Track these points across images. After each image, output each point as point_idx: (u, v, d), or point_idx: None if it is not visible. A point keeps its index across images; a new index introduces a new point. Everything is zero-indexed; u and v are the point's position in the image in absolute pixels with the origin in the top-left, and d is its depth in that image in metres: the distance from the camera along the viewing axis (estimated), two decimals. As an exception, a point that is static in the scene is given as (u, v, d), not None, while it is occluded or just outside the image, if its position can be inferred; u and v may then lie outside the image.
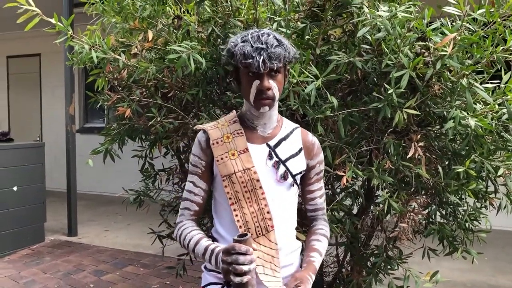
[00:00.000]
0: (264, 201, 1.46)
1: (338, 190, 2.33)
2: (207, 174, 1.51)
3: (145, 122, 2.38)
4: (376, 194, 2.38)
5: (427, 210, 2.27)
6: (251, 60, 1.34)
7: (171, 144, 2.43)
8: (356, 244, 2.41)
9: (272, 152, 1.50)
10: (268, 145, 1.50)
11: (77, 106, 7.69)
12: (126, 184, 3.04)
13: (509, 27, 1.89)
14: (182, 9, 2.41)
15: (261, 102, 1.42)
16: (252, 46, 1.34)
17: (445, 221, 2.26)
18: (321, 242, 1.57)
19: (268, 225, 1.46)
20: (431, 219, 2.28)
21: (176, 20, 2.32)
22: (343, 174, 1.97)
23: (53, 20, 2.15)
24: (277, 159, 1.49)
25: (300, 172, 1.55)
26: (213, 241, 1.48)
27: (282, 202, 1.51)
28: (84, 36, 2.30)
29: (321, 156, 1.61)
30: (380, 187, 2.26)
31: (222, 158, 1.47)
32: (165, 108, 2.34)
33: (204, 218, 2.71)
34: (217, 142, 1.49)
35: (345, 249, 2.54)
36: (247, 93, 1.44)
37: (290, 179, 1.51)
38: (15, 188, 4.82)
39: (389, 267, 2.38)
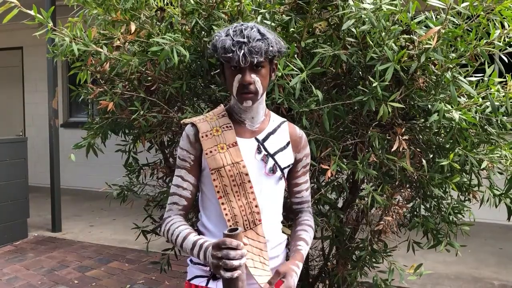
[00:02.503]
0: (252, 195, 1.46)
1: (323, 183, 2.32)
2: (196, 168, 1.51)
3: (128, 116, 2.34)
4: (361, 188, 2.39)
5: (411, 204, 2.28)
6: (231, 54, 1.34)
7: (155, 138, 2.40)
8: (341, 237, 2.41)
9: (261, 146, 1.50)
10: (257, 139, 1.51)
11: (61, 100, 7.58)
12: (111, 179, 3.01)
13: (493, 20, 1.89)
14: (165, 1, 2.37)
15: (244, 96, 1.42)
16: (232, 40, 1.34)
17: (429, 214, 2.27)
18: (307, 232, 1.58)
19: (256, 219, 1.47)
20: (415, 212, 2.29)
21: (159, 12, 2.28)
22: (327, 167, 1.96)
23: (32, 12, 2.09)
24: (266, 153, 1.50)
25: (288, 166, 1.56)
26: (199, 234, 1.46)
27: (270, 196, 1.52)
28: (64, 29, 2.25)
29: (307, 149, 1.63)
30: (365, 180, 2.26)
31: (211, 151, 1.46)
32: (149, 101, 2.31)
33: (190, 212, 2.69)
34: (206, 135, 1.48)
35: (330, 242, 2.54)
36: (230, 87, 1.44)
37: (278, 173, 1.52)
38: (-3, 184, 4.75)
39: (374, 260, 2.39)
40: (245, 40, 1.33)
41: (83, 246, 4.87)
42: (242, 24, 1.38)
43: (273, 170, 1.50)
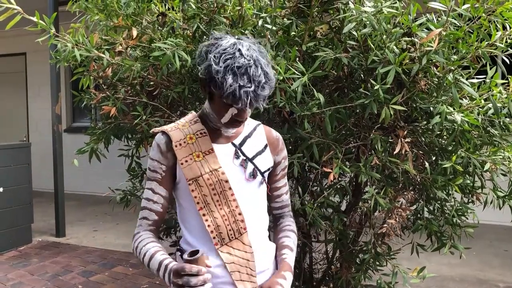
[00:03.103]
0: (234, 203, 1.40)
1: (326, 186, 2.32)
2: (168, 179, 1.42)
3: (131, 121, 2.35)
4: (364, 191, 2.38)
5: (414, 206, 2.27)
6: (237, 102, 1.25)
7: (157, 143, 2.40)
8: (344, 241, 2.41)
9: (239, 151, 1.44)
10: (233, 144, 1.44)
11: (64, 105, 7.61)
12: (115, 184, 3.01)
13: (494, 22, 1.89)
14: (167, 6, 2.38)
15: (233, 125, 1.37)
16: (239, 86, 1.23)
17: (432, 216, 2.26)
18: (290, 238, 1.53)
19: (241, 227, 1.40)
20: (419, 215, 2.28)
21: (160, 17, 2.29)
22: (330, 170, 1.96)
23: (34, 19, 2.11)
24: (244, 158, 1.44)
25: (268, 169, 1.50)
26: (182, 253, 1.41)
27: (253, 202, 1.45)
28: (67, 35, 2.26)
29: (285, 151, 1.57)
30: (368, 183, 2.26)
31: (186, 161, 1.38)
32: (151, 106, 2.32)
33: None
34: (180, 144, 1.40)
35: (334, 246, 2.54)
36: (219, 114, 1.35)
37: (259, 177, 1.46)
38: (1, 189, 4.75)
39: (377, 263, 2.38)
40: (252, 87, 1.24)
41: (87, 251, 4.88)
42: (241, 54, 1.24)
43: (253, 175, 1.44)
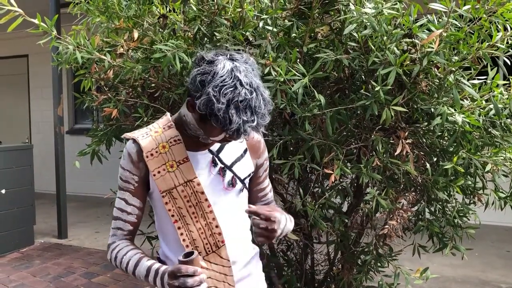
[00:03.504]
0: (211, 215, 1.33)
1: (327, 188, 2.32)
2: (141, 189, 1.35)
3: (132, 123, 2.35)
4: (366, 192, 2.38)
5: (416, 207, 2.27)
6: (240, 135, 1.19)
7: (158, 145, 2.41)
8: (346, 242, 2.41)
9: (216, 158, 1.36)
10: (211, 151, 1.36)
11: (66, 107, 7.62)
12: (116, 185, 3.01)
13: (495, 23, 1.89)
14: (168, 8, 2.38)
15: (221, 142, 1.31)
16: (243, 121, 1.16)
17: (434, 217, 2.26)
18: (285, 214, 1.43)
19: (218, 241, 1.34)
20: (420, 216, 2.28)
21: (161, 19, 2.29)
22: (331, 172, 1.96)
23: (36, 21, 2.11)
24: (222, 165, 1.36)
25: (249, 175, 1.43)
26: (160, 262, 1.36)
27: (232, 212, 1.38)
28: (68, 37, 2.27)
29: (266, 152, 1.50)
30: (370, 184, 2.26)
31: (159, 172, 1.31)
32: (152, 108, 2.32)
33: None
34: (152, 154, 1.31)
35: (336, 247, 2.54)
36: (208, 134, 1.25)
37: (239, 185, 1.39)
38: (3, 191, 4.76)
39: (379, 264, 2.38)
40: (255, 121, 1.17)
41: (89, 252, 4.88)
42: (241, 84, 1.16)
43: (232, 184, 1.37)
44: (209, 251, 1.34)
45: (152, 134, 1.35)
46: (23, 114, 8.67)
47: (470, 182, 2.18)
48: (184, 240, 1.32)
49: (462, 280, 3.94)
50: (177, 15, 2.32)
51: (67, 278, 4.11)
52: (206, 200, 1.33)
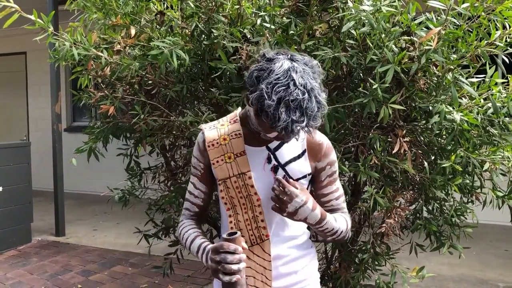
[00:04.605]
0: (259, 208, 1.38)
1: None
2: (207, 176, 1.45)
3: (129, 120, 2.34)
4: (363, 190, 2.38)
5: (413, 206, 2.27)
6: (290, 135, 1.20)
7: (156, 142, 2.40)
8: (343, 240, 2.40)
9: (271, 155, 1.39)
10: (268, 148, 1.39)
11: (64, 104, 7.60)
12: (115, 183, 3.01)
13: (493, 21, 1.88)
14: (165, 5, 2.37)
15: (277, 140, 1.32)
16: (292, 120, 1.16)
17: (431, 216, 2.26)
18: (340, 216, 1.44)
19: (263, 234, 1.39)
20: (418, 215, 2.27)
21: (159, 15, 2.28)
22: (328, 170, 1.95)
23: (32, 17, 2.10)
24: (276, 163, 1.39)
25: (304, 176, 1.42)
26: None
27: None
28: (65, 33, 2.26)
29: (331, 156, 1.45)
30: (368, 183, 2.25)
31: (217, 161, 1.39)
32: (149, 105, 2.31)
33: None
34: (213, 144, 1.41)
35: (333, 246, 2.53)
36: (264, 130, 1.27)
37: None
38: (0, 189, 4.75)
39: (376, 263, 2.38)
40: (305, 122, 1.17)
41: (86, 250, 4.87)
42: (295, 85, 1.16)
43: None
44: (253, 242, 1.39)
45: (218, 127, 1.44)
46: (21, 111, 8.65)
47: (468, 181, 2.17)
48: (232, 228, 1.40)
49: (459, 279, 3.93)
50: (174, 12, 2.31)
51: (64, 276, 4.10)
52: (256, 194, 1.37)
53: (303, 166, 1.42)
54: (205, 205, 1.49)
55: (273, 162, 1.39)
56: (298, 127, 1.18)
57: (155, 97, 2.39)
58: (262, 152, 1.39)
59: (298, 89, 1.16)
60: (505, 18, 1.88)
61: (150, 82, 2.31)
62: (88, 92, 2.53)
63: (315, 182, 1.47)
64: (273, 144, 1.40)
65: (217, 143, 1.40)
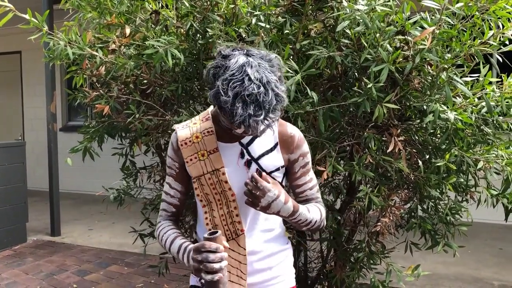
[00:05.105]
0: (233, 204, 1.40)
1: (319, 185, 2.32)
2: (182, 175, 1.47)
3: (124, 120, 2.34)
4: (358, 189, 2.38)
5: (408, 205, 2.27)
6: (248, 130, 1.21)
7: (151, 142, 2.40)
8: (339, 239, 2.40)
9: (244, 150, 1.41)
10: (241, 143, 1.42)
11: (60, 104, 7.59)
12: (110, 183, 3.00)
13: (487, 20, 1.89)
14: (160, 4, 2.37)
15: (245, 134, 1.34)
16: (249, 115, 1.18)
17: (426, 215, 2.26)
18: (312, 207, 1.45)
19: (238, 229, 1.41)
20: (412, 213, 2.28)
21: (154, 15, 2.28)
22: (323, 169, 1.96)
23: (27, 16, 2.09)
24: (249, 158, 1.41)
25: (278, 169, 1.44)
26: (194, 242, 1.45)
27: None
28: (60, 33, 2.25)
29: (304, 148, 1.48)
30: (362, 182, 2.26)
31: (191, 159, 1.41)
32: (144, 104, 2.31)
33: (187, 215, 2.69)
34: (186, 143, 1.42)
35: (328, 244, 2.53)
36: (226, 124, 1.32)
37: None
38: (-5, 188, 4.74)
39: (371, 262, 2.38)
40: (262, 115, 1.19)
41: (82, 250, 4.86)
42: (250, 80, 1.17)
43: None
44: (229, 237, 1.41)
45: (190, 125, 1.45)
46: (16, 111, 8.61)
47: (462, 180, 2.18)
48: (207, 224, 1.42)
49: (455, 277, 3.95)
50: (169, 11, 2.30)
51: (60, 276, 4.09)
52: (230, 189, 1.39)
53: (276, 159, 1.44)
54: (181, 205, 1.51)
55: (246, 156, 1.41)
56: (257, 121, 1.19)
57: (150, 96, 2.39)
58: (235, 147, 1.42)
59: (254, 83, 1.18)
60: (498, 18, 1.89)
61: (145, 81, 2.30)
62: (83, 91, 2.53)
63: (289, 174, 1.50)
64: (246, 139, 1.42)
65: (190, 141, 1.42)
